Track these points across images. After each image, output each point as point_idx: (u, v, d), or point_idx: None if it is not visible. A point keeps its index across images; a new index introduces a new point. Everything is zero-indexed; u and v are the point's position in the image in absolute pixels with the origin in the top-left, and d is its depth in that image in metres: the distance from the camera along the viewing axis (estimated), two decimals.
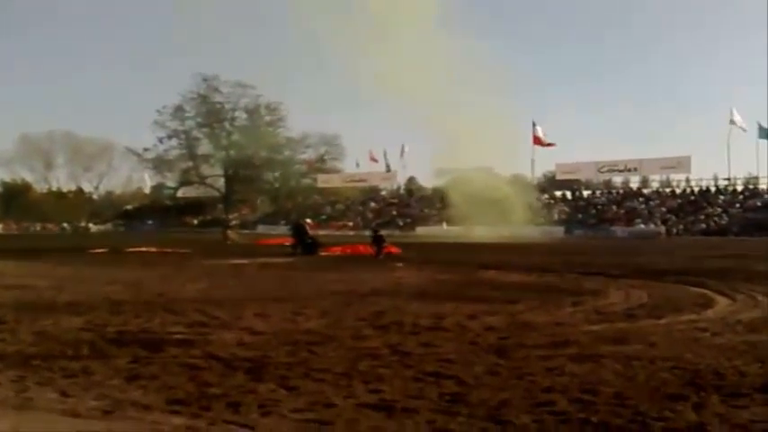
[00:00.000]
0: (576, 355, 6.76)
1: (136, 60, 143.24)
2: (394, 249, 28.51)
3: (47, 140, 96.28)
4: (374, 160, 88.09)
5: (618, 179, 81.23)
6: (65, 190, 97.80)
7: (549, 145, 76.39)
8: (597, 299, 11.53)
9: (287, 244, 31.13)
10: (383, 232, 29.50)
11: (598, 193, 78.68)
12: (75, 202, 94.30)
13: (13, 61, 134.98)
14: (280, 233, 58.14)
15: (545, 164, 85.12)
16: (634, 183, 79.46)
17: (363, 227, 75.46)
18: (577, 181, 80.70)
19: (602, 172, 78.23)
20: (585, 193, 78.91)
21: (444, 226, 70.60)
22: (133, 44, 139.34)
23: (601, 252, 29.61)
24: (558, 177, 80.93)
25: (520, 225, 58.46)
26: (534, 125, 75.74)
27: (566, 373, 6.00)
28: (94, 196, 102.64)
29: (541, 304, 10.73)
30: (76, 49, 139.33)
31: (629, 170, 76.24)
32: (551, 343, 7.42)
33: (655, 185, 77.82)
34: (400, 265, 20.61)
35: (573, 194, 78.23)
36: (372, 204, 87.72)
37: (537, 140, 76.01)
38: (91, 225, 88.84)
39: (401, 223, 76.59)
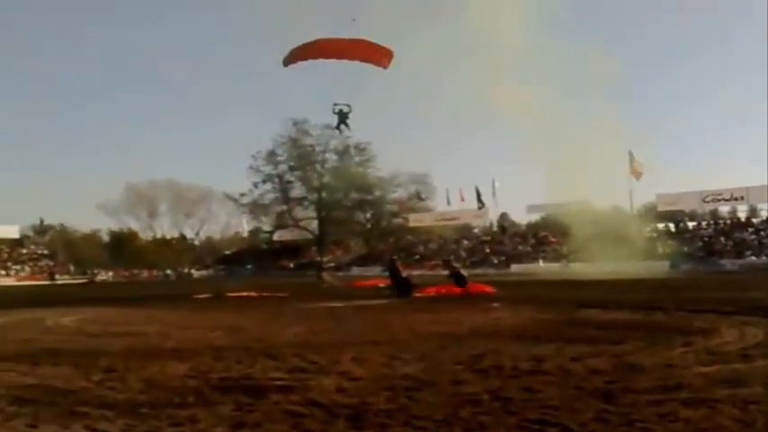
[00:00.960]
0: (689, 399, 6.44)
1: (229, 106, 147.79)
2: (488, 288, 28.21)
3: (150, 188, 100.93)
4: (462, 200, 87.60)
5: (724, 209, 78.12)
6: (168, 237, 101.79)
7: (639, 175, 73.96)
8: (709, 338, 10.91)
9: (381, 285, 31.26)
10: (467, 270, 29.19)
11: (704, 224, 75.54)
12: (178, 249, 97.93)
13: (117, 115, 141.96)
14: (374, 274, 58.42)
15: (644, 195, 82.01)
16: (742, 212, 76.24)
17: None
18: (680, 212, 77.85)
19: (706, 202, 75.21)
20: (690, 224, 75.93)
21: (540, 263, 69.41)
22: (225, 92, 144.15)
23: (710, 287, 28.25)
24: (660, 209, 78.24)
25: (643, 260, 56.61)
26: (631, 155, 73.72)
27: (679, 419, 5.74)
28: (196, 242, 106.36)
29: (649, 345, 10.25)
30: (172, 101, 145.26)
31: (736, 199, 73.00)
32: (662, 386, 7.07)
33: (764, 215, 74.34)
34: (496, 305, 20.29)
35: (676, 226, 75.40)
36: (465, 242, 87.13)
37: (635, 171, 73.80)
38: (193, 271, 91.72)
39: (495, 261, 75.75)
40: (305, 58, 29.73)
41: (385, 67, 31.34)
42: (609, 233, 60.63)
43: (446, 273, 29.91)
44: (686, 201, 75.57)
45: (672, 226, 75.59)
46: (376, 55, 30.65)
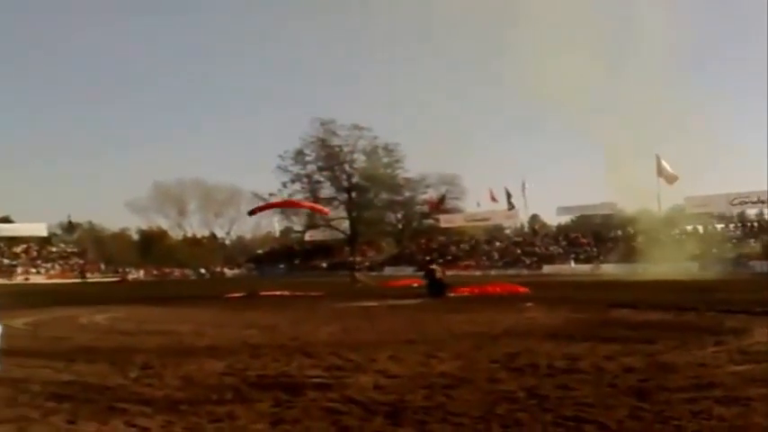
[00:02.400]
0: (723, 397, 6.37)
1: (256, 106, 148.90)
2: (521, 289, 28.11)
3: (177, 187, 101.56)
4: (494, 200, 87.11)
5: (752, 211, 77.18)
6: (198, 236, 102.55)
7: (673, 179, 73.11)
8: (741, 338, 10.78)
9: (415, 285, 31.23)
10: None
11: (731, 226, 74.70)
12: (209, 248, 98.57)
13: (143, 113, 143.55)
14: (407, 274, 58.45)
15: (673, 197, 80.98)
16: None
17: (489, 266, 74.99)
18: (709, 214, 76.87)
19: (734, 204, 74.38)
20: (719, 226, 75.03)
21: (572, 264, 68.91)
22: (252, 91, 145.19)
23: (740, 288, 27.84)
24: (688, 211, 77.41)
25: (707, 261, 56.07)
26: (659, 158, 72.96)
27: (713, 416, 5.68)
28: (227, 241, 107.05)
29: (681, 344, 10.15)
30: (199, 101, 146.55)
31: (762, 202, 72.22)
32: (695, 385, 7.03)
33: None
34: (530, 304, 20.18)
35: (705, 229, 74.55)
36: (497, 243, 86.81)
37: (662, 174, 73.08)
38: (226, 270, 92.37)
39: (527, 262, 75.37)
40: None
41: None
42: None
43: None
44: (714, 203, 74.84)
45: (700, 228, 74.82)
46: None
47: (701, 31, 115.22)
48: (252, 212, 38.19)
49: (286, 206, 74.70)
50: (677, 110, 65.36)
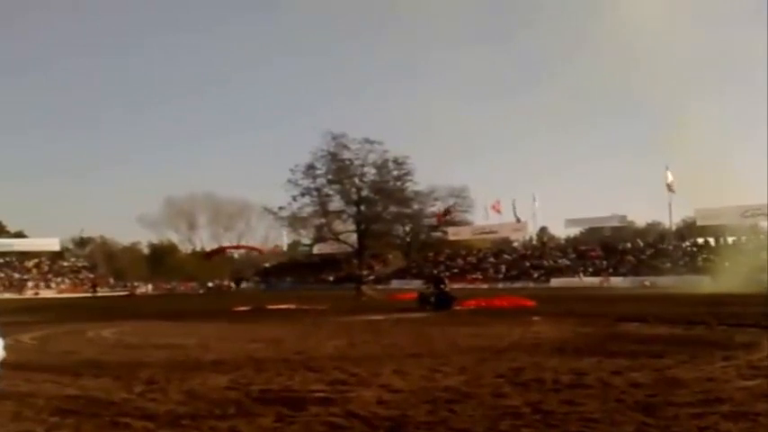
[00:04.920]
0: (730, 413, 6.33)
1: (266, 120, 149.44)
2: (528, 302, 28.03)
3: (189, 202, 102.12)
4: (497, 211, 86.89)
5: (764, 224, 76.53)
6: (208, 250, 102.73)
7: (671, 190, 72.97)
8: (750, 352, 10.70)
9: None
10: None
11: (743, 238, 73.98)
12: (218, 262, 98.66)
13: (155, 128, 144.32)
14: (414, 287, 58.24)
15: (684, 209, 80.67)
16: None
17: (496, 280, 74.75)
18: (721, 226, 76.31)
19: (746, 217, 73.72)
20: (730, 239, 74.36)
21: (581, 277, 68.58)
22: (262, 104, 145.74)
23: (752, 302, 27.63)
24: (699, 224, 76.94)
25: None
26: (666, 169, 72.83)
27: None
28: (235, 255, 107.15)
29: (690, 359, 10.09)
30: (210, 115, 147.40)
31: None
32: (702, 400, 6.97)
33: None
34: (537, 318, 20.11)
35: (716, 241, 73.96)
36: (505, 256, 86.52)
37: (669, 187, 72.97)
38: (232, 284, 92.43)
39: (535, 275, 75.09)
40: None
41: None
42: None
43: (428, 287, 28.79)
44: (726, 215, 74.13)
45: (711, 240, 74.24)
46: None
47: (716, 41, 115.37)
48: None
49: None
50: (690, 120, 64.99)
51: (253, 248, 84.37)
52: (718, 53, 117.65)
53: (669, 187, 73.24)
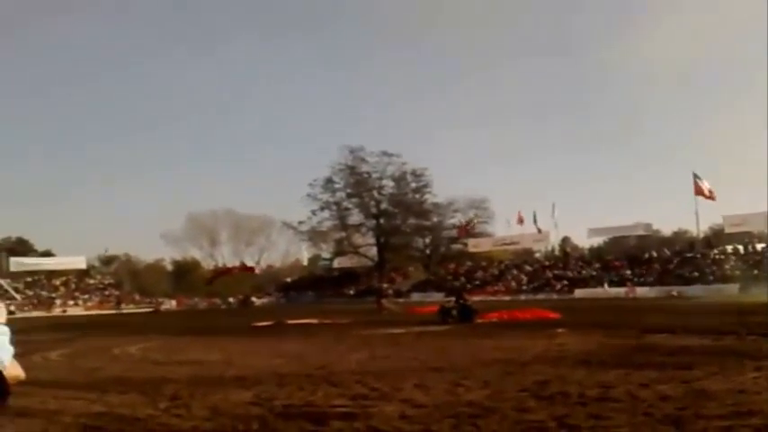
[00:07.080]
0: (762, 426, 6.25)
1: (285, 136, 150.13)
2: (552, 314, 27.81)
3: (210, 218, 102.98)
4: (520, 222, 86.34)
5: None
6: (229, 266, 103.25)
7: (710, 198, 72.08)
8: None
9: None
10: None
11: None
12: (239, 278, 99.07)
13: (176, 145, 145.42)
14: (434, 300, 58.05)
15: (711, 217, 79.56)
16: None
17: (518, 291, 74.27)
18: (749, 233, 75.18)
19: None
20: (759, 246, 73.18)
21: (606, 287, 67.92)
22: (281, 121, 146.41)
23: None
24: (727, 231, 75.86)
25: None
26: (696, 176, 71.98)
27: None
28: (257, 271, 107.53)
29: (720, 370, 9.93)
30: (230, 131, 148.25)
31: None
32: (733, 413, 6.86)
33: None
34: (561, 330, 19.93)
35: (745, 248, 72.78)
36: (527, 267, 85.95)
37: (700, 192, 71.95)
38: (254, 299, 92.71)
39: (558, 286, 74.50)
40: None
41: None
42: None
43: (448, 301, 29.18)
44: (754, 222, 72.96)
45: (740, 248, 73.05)
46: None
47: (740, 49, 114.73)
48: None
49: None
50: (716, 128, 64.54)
51: (245, 269, 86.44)
52: (740, 64, 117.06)
53: (710, 193, 72.08)
